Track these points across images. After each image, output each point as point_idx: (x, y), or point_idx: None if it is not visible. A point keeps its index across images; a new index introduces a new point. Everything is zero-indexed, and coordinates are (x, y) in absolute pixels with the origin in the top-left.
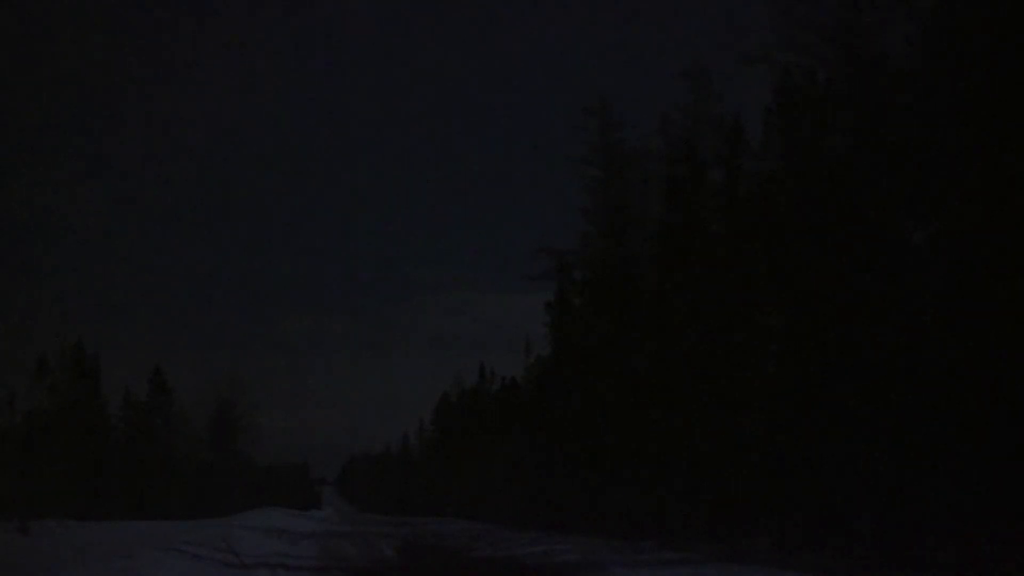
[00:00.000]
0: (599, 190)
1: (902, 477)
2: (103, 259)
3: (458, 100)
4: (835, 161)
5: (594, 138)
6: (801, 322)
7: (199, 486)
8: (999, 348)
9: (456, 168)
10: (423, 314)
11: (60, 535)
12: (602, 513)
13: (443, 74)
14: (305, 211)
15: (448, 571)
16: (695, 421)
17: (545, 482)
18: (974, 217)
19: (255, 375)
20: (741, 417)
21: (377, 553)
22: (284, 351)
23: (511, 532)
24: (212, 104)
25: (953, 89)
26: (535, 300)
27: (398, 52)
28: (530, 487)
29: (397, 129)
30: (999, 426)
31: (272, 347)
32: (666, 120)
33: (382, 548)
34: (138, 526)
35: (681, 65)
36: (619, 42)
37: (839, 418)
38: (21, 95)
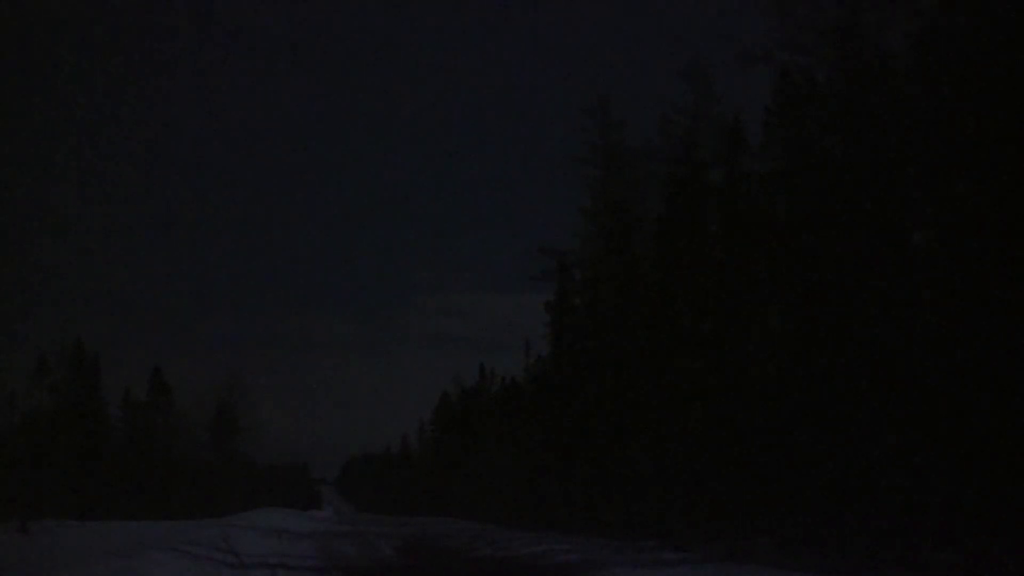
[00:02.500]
0: (599, 190)
1: (902, 477)
2: (103, 259)
3: (458, 100)
4: (835, 161)
5: (594, 138)
6: (801, 322)
7: (199, 486)
8: (999, 348)
9: (456, 168)
10: (423, 314)
11: (60, 535)
12: (602, 513)
13: (443, 74)
14: (305, 211)
15: (448, 571)
16: (695, 421)
17: (545, 482)
18: (974, 217)
19: (255, 375)
20: (741, 417)
21: (377, 553)
22: (284, 351)
23: (511, 532)
24: (213, 104)
25: (953, 89)
26: (535, 300)
27: (398, 53)
28: (530, 487)
29: (397, 129)
30: (999, 426)
31: (272, 347)
32: (666, 120)
33: (382, 548)
34: (138, 526)
35: (681, 65)
36: (619, 42)
37: (839, 418)
38: (21, 95)
